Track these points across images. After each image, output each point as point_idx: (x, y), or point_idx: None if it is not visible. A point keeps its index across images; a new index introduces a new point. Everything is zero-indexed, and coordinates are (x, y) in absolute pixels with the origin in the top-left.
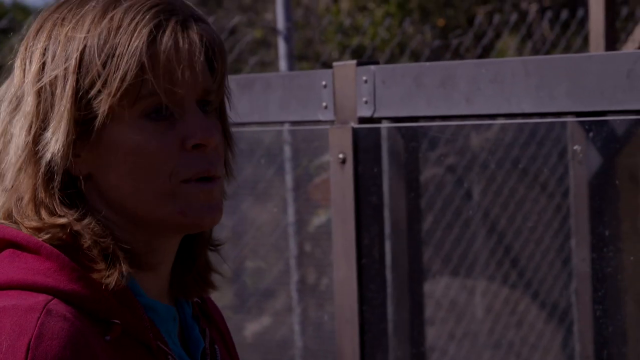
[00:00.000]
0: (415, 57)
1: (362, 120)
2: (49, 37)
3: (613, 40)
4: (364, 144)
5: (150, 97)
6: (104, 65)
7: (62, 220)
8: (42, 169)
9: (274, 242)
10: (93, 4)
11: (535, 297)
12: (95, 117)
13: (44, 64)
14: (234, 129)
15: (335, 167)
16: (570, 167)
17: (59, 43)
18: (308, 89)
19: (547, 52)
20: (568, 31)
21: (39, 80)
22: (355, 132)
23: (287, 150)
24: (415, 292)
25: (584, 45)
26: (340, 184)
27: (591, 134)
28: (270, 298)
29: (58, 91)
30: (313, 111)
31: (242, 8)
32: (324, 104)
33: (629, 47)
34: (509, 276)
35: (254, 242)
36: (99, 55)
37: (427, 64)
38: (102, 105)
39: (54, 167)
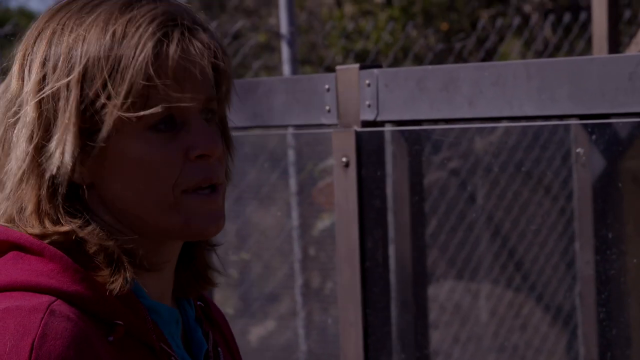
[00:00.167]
0: (419, 60)
1: (366, 123)
2: (49, 45)
3: (616, 43)
4: (368, 147)
5: (156, 110)
6: (108, 78)
7: (66, 228)
8: (46, 181)
9: (278, 246)
10: (95, 13)
11: (540, 300)
12: (99, 128)
13: (45, 74)
14: (237, 133)
15: (339, 171)
16: (574, 170)
17: (60, 53)
18: (311, 92)
19: (550, 56)
20: (571, 34)
21: (40, 90)
22: (358, 135)
23: (291, 154)
24: (419, 295)
25: (587, 49)
26: (343, 187)
27: (594, 137)
28: (275, 302)
29: (61, 103)
30: (316, 115)
31: (246, 12)
32: (327, 107)
33: (632, 50)
34: (513, 279)
35: (258, 246)
36: (104, 67)
37: (430, 67)
38: (107, 118)
39: (58, 179)
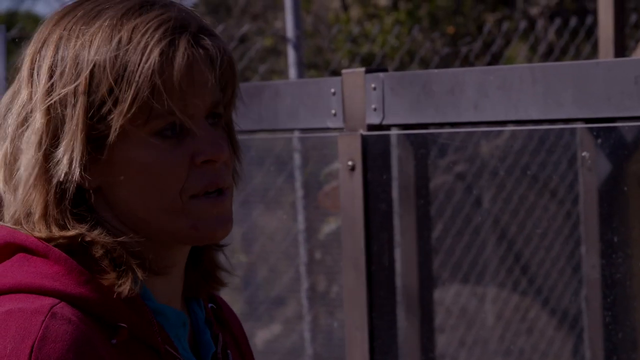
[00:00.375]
0: (425, 64)
1: (371, 127)
2: (56, 51)
3: (622, 47)
4: (373, 151)
5: (162, 116)
6: (115, 84)
7: (72, 233)
8: (54, 187)
9: (284, 250)
10: (101, 19)
11: (546, 304)
12: (106, 134)
13: (52, 80)
14: (243, 137)
15: (345, 175)
16: (580, 173)
17: (67, 59)
18: (317, 96)
19: (557, 59)
20: (577, 38)
21: (48, 97)
22: (364, 139)
23: (297, 158)
24: (425, 299)
25: (593, 52)
26: (349, 191)
27: (600, 141)
28: (281, 305)
29: (68, 110)
30: (322, 119)
31: (252, 16)
32: (333, 111)
33: (638, 54)
34: (519, 283)
35: (264, 249)
36: (110, 74)
37: (435, 71)
38: (113, 124)
39: (66, 185)
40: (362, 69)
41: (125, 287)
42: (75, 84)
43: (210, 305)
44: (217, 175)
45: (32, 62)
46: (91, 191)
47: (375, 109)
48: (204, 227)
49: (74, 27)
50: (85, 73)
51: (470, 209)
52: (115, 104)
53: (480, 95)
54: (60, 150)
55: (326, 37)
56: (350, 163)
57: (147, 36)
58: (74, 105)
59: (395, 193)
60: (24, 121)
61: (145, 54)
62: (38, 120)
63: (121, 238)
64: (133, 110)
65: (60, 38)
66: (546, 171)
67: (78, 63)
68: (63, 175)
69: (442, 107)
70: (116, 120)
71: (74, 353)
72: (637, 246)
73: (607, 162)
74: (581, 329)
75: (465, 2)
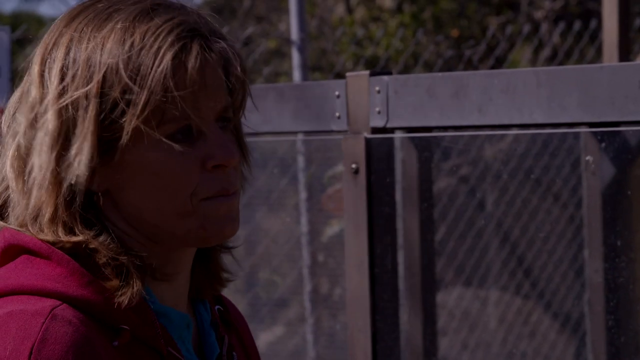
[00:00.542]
0: (429, 67)
1: (375, 130)
2: (67, 53)
3: (627, 51)
4: (377, 154)
5: (175, 119)
6: (127, 88)
7: (78, 239)
8: (64, 189)
9: (287, 252)
10: (113, 21)
11: (548, 308)
12: (118, 137)
13: (64, 83)
14: (247, 139)
15: (348, 177)
16: (583, 177)
17: (79, 62)
18: (321, 99)
19: (560, 63)
20: (581, 42)
21: (61, 99)
22: (368, 142)
23: (301, 160)
24: (427, 302)
25: (597, 56)
26: (353, 194)
27: (604, 145)
28: (284, 308)
29: (80, 112)
30: (326, 121)
31: (257, 18)
32: (337, 114)
33: None
34: (522, 286)
35: (267, 252)
36: (122, 77)
37: (440, 74)
38: (125, 127)
39: (76, 187)
40: (367, 72)
41: (125, 297)
42: (88, 86)
43: (217, 307)
44: (227, 181)
45: (43, 63)
46: (100, 194)
47: (379, 112)
48: (212, 226)
49: (85, 29)
50: (98, 76)
51: (474, 212)
52: (128, 106)
53: (484, 98)
54: (72, 153)
55: (330, 39)
56: (354, 166)
57: (159, 40)
58: (86, 108)
59: (398, 196)
60: (35, 122)
61: (158, 57)
62: (50, 122)
63: (127, 243)
64: (146, 113)
65: (72, 40)
66: (550, 175)
67: (90, 65)
68: (74, 177)
69: (446, 110)
70: (128, 123)
71: (73, 354)
72: None
73: (611, 166)
74: (584, 333)
75: (470, 6)
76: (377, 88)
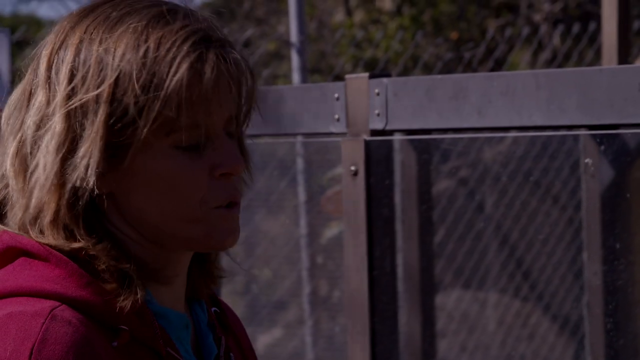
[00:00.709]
0: (428, 69)
1: (374, 132)
2: (77, 54)
3: (626, 54)
4: (376, 156)
5: (186, 128)
6: (141, 95)
7: (77, 245)
8: (68, 192)
9: (286, 254)
10: (125, 25)
11: (547, 310)
12: (126, 143)
13: (73, 85)
14: (247, 141)
15: (348, 179)
16: (582, 180)
17: (90, 64)
18: (320, 101)
19: (560, 66)
20: (580, 44)
21: (69, 101)
22: (367, 144)
23: (300, 163)
24: (426, 304)
25: (597, 59)
26: (352, 196)
27: (603, 147)
28: (282, 310)
29: (89, 116)
30: (325, 123)
31: (256, 21)
32: (337, 116)
33: None
34: (521, 289)
35: (266, 253)
36: (136, 84)
37: (439, 76)
38: (136, 135)
39: (80, 191)
40: (366, 74)
41: (127, 302)
42: (99, 90)
43: (213, 309)
44: (234, 189)
45: (50, 63)
46: (104, 197)
47: (378, 114)
48: (218, 236)
49: (95, 30)
50: (110, 80)
51: (473, 214)
52: (140, 114)
53: (483, 101)
54: (79, 156)
55: (330, 42)
56: (353, 168)
57: (174, 48)
58: (96, 112)
59: (397, 198)
60: (42, 123)
61: (174, 67)
62: (58, 124)
63: (129, 245)
64: (158, 122)
65: (81, 41)
66: (549, 177)
67: (102, 68)
68: (79, 181)
69: (445, 112)
70: (140, 131)
71: (73, 355)
72: (639, 253)
73: (610, 169)
74: (582, 336)
75: (469, 8)
76: (376, 90)
